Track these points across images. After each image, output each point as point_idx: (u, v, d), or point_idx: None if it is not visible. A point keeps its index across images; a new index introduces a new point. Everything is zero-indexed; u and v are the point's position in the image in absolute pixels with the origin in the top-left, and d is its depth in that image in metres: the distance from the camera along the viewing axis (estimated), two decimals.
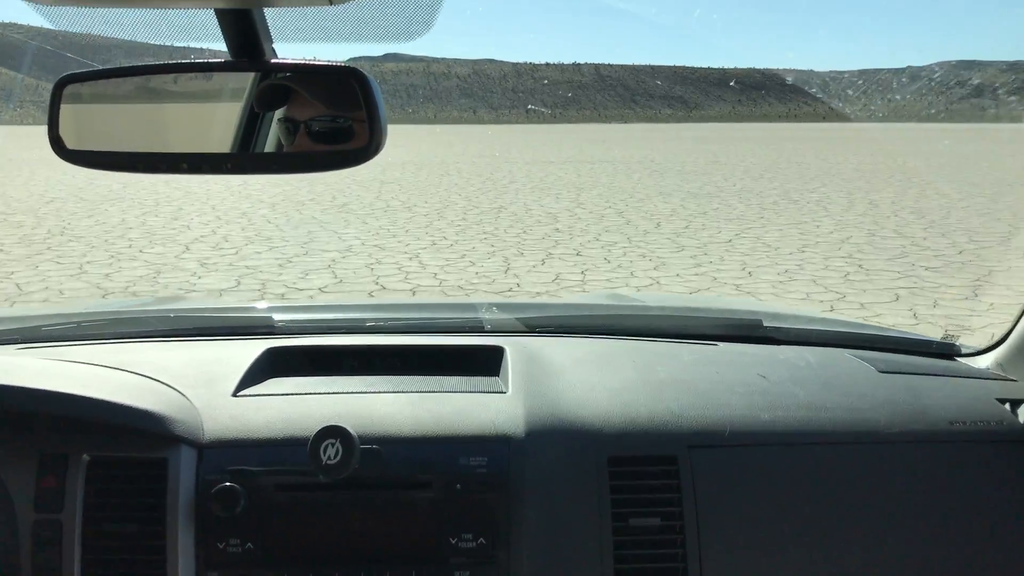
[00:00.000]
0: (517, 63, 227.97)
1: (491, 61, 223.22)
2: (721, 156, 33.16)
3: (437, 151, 36.97)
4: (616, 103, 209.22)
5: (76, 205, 15.26)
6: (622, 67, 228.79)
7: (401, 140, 46.76)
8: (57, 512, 1.33)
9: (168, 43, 1.14)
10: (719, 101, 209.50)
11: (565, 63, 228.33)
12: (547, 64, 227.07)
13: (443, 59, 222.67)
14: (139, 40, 1.10)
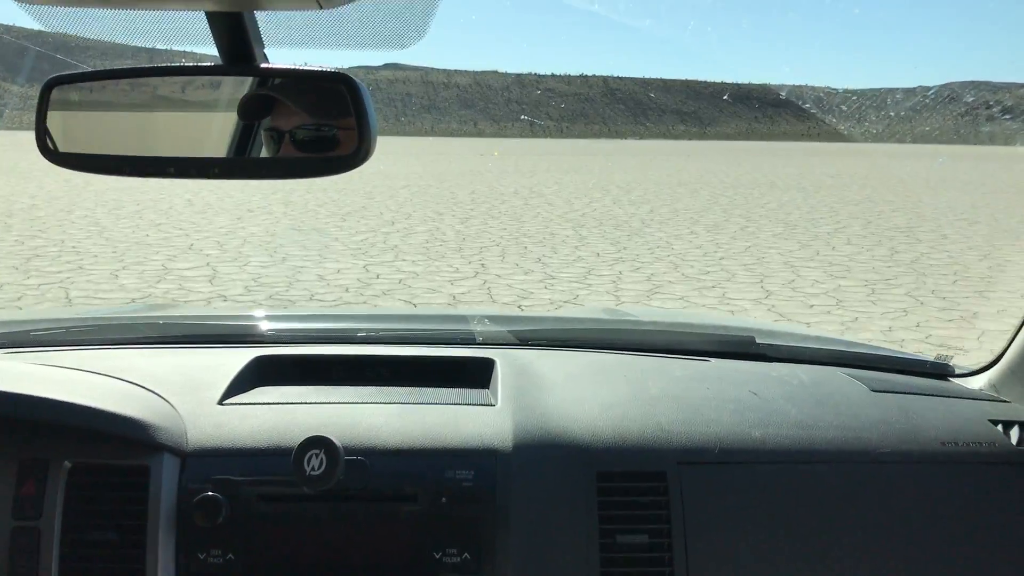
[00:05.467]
0: (521, 74, 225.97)
1: (494, 72, 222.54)
2: None
3: None
4: (626, 118, 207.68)
5: None
6: (631, 80, 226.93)
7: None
8: (36, 519, 1.31)
9: (159, 46, 1.14)
10: (734, 118, 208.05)
11: (572, 75, 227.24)
12: (552, 75, 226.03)
13: (443, 69, 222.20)
14: (128, 43, 1.09)
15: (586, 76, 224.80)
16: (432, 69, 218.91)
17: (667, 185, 26.05)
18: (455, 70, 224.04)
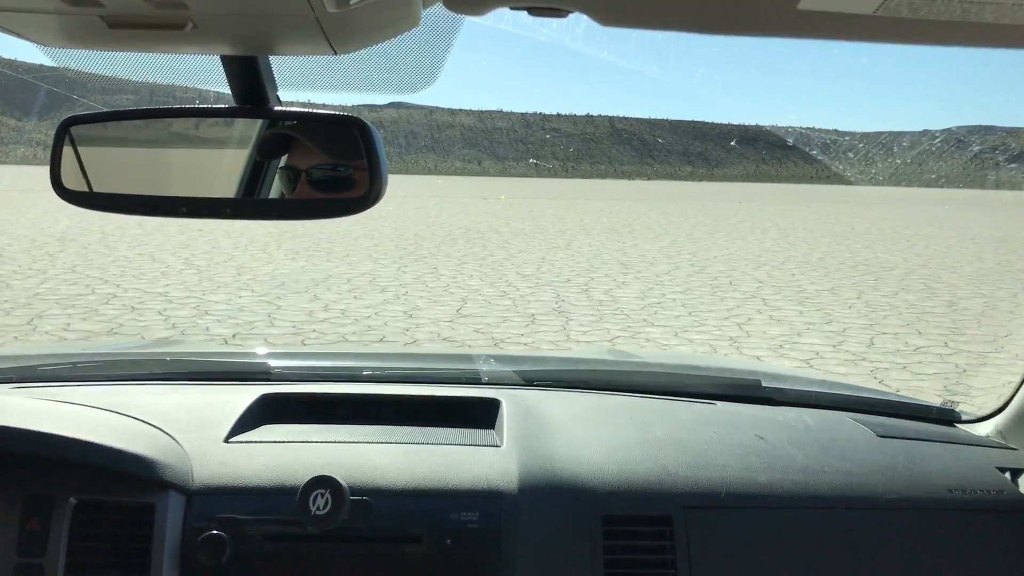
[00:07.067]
0: (526, 113, 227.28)
1: (499, 112, 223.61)
2: None
3: None
4: (632, 158, 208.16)
5: None
6: (637, 120, 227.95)
7: None
8: (40, 556, 1.30)
9: (172, 82, 1.15)
10: (742, 159, 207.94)
11: (578, 115, 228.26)
12: (558, 115, 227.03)
13: (447, 108, 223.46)
14: (141, 80, 1.10)
15: (592, 116, 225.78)
16: (437, 108, 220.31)
17: (847, 273, 14.01)
18: (460, 109, 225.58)
